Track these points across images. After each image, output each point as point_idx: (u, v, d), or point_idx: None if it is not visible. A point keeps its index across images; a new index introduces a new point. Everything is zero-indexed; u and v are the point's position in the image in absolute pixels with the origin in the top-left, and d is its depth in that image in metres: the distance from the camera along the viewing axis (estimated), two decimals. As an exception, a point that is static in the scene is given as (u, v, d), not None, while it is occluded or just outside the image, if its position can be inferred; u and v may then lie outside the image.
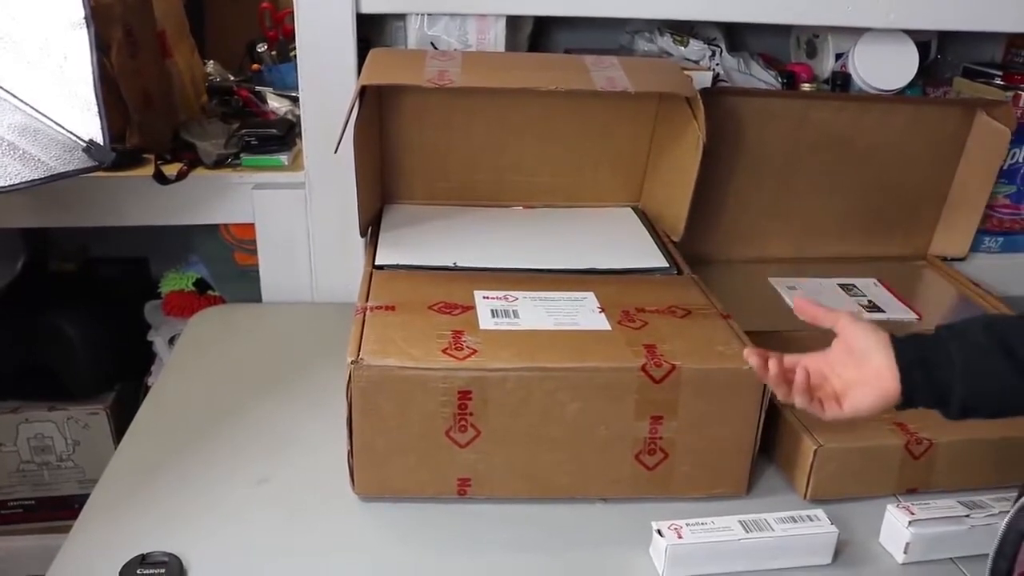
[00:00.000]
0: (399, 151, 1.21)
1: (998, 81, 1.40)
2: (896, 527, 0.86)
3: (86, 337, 1.44)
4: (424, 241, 1.13)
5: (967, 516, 0.86)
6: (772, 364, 0.79)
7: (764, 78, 1.36)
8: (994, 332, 0.74)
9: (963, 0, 1.25)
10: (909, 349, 0.76)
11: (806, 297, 0.85)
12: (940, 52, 1.46)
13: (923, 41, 1.37)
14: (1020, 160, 1.39)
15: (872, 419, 0.79)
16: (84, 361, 1.44)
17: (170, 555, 0.81)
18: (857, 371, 0.77)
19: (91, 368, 1.45)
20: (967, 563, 0.86)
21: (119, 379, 1.49)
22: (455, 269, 1.05)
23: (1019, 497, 0.70)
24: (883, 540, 0.88)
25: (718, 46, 1.36)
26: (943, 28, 1.35)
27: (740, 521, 0.84)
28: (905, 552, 0.85)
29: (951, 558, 0.86)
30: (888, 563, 0.86)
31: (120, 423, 1.43)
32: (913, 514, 0.85)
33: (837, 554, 0.85)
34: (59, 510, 1.49)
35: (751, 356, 0.80)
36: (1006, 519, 0.69)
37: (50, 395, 1.45)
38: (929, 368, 0.75)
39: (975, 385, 0.73)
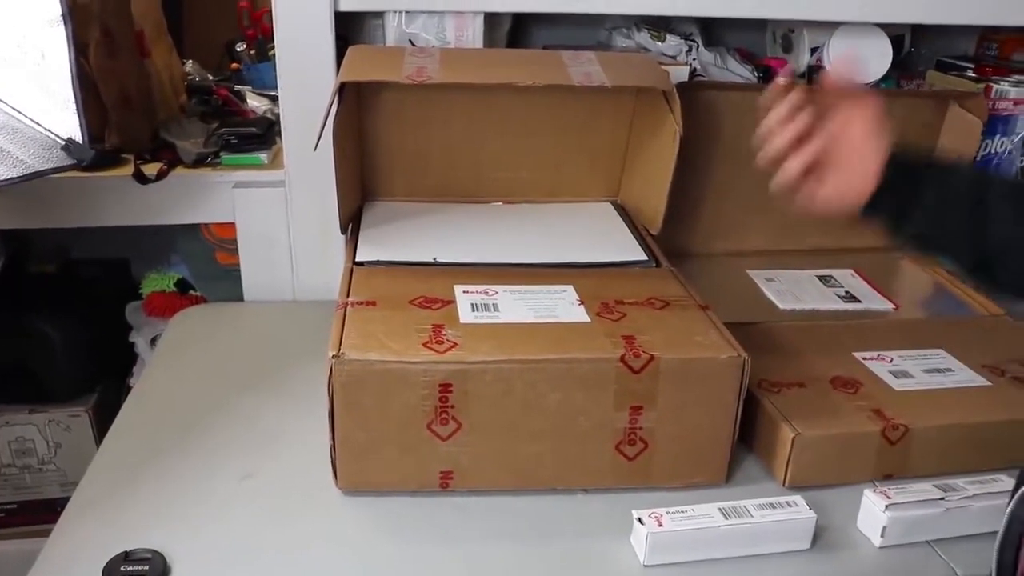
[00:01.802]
0: (378, 148, 1.21)
1: (970, 73, 1.42)
2: (873, 511, 0.87)
3: (67, 339, 1.43)
4: (404, 237, 1.13)
5: (942, 499, 0.87)
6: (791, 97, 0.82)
7: (741, 72, 1.37)
8: (978, 189, 0.77)
9: (934, -7, 1.27)
10: (899, 173, 0.79)
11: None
12: (913, 46, 1.48)
13: (897, 35, 1.38)
14: (993, 151, 1.41)
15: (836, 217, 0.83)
16: (65, 363, 1.43)
17: (153, 552, 0.81)
18: (857, 164, 0.80)
19: (72, 370, 1.44)
20: (943, 545, 0.87)
21: (101, 380, 1.48)
22: (435, 264, 1.05)
23: (1017, 486, 0.70)
24: (861, 525, 0.89)
25: (695, 41, 1.37)
26: (914, 21, 1.37)
27: (720, 508, 0.85)
28: (882, 536, 0.86)
29: (927, 541, 0.88)
30: (866, 547, 0.88)
31: (102, 425, 1.42)
32: (889, 498, 0.86)
33: (816, 539, 0.87)
34: (41, 513, 1.48)
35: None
36: (1008, 509, 0.69)
37: (31, 397, 1.44)
38: (901, 198, 0.79)
39: (933, 232, 0.79)
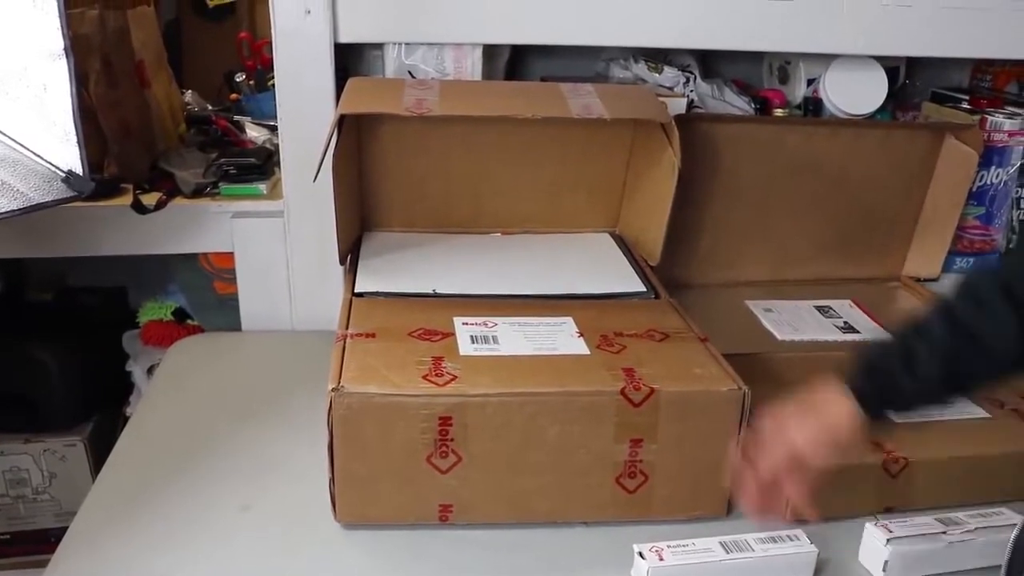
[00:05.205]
0: (378, 179, 1.22)
1: (965, 105, 1.43)
2: (875, 545, 0.87)
3: (63, 367, 1.42)
4: (403, 268, 1.13)
5: (944, 533, 0.87)
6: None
7: (738, 104, 1.38)
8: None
9: (929, 26, 1.28)
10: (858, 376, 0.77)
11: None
12: (908, 77, 1.49)
13: (892, 67, 1.40)
14: (989, 182, 1.41)
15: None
16: (61, 391, 1.43)
17: (150, 586, 0.80)
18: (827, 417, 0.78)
19: (68, 399, 1.44)
20: (945, 580, 0.87)
21: (97, 410, 1.47)
22: (435, 296, 1.05)
23: None
24: (862, 559, 0.89)
25: (692, 73, 1.38)
26: (909, 54, 1.38)
27: (721, 542, 0.84)
28: (884, 570, 0.86)
29: (929, 576, 0.87)
30: (868, 581, 0.87)
31: (98, 454, 1.41)
32: (891, 532, 0.86)
33: (817, 573, 0.86)
34: (35, 544, 1.47)
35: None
36: (1012, 537, 0.69)
37: (26, 426, 1.43)
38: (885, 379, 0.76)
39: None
